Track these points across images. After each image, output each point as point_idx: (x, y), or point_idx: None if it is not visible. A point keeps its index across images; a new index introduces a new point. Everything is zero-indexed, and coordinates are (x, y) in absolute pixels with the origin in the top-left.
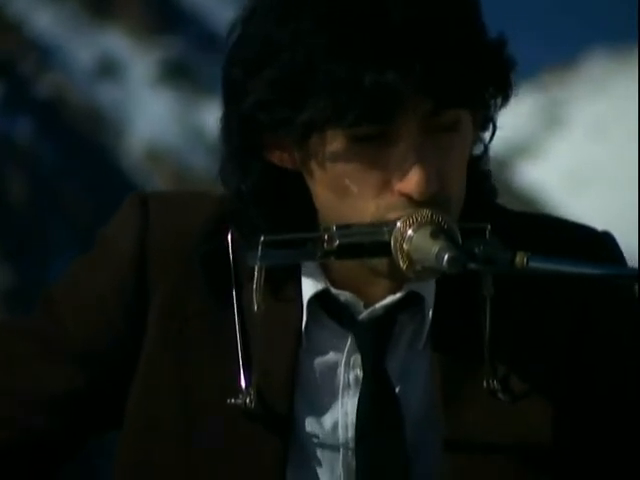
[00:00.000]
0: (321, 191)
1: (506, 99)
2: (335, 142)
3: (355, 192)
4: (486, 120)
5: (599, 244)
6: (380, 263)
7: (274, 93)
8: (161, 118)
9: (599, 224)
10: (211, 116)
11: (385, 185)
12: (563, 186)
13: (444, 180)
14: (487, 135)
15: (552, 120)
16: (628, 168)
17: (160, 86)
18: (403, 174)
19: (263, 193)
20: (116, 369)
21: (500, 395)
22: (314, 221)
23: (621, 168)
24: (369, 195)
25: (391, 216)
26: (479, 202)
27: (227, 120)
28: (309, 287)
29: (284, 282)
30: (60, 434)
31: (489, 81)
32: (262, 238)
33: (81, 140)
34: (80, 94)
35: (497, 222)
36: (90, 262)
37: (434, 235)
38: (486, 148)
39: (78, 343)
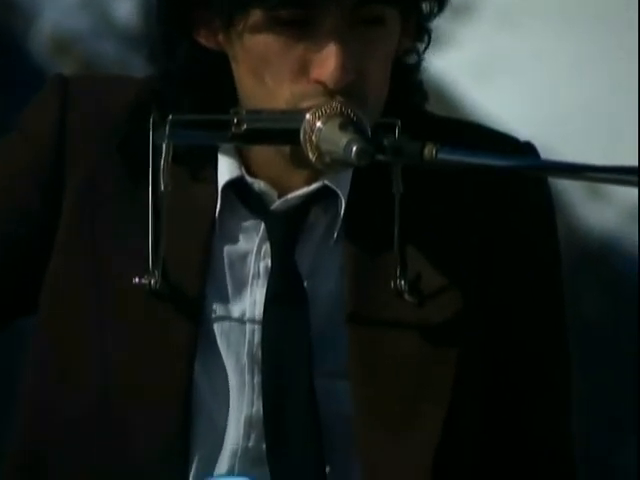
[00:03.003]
0: (242, 74)
1: (441, 7)
2: (258, 24)
3: (272, 76)
4: (421, 29)
5: (522, 151)
6: (290, 151)
7: None
8: (70, 5)
9: (505, 115)
10: (121, 4)
11: (302, 71)
12: (470, 76)
13: (363, 73)
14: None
15: (459, 8)
16: (538, 59)
17: None
18: (320, 61)
19: (189, 73)
20: (33, 253)
21: (407, 296)
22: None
23: (530, 59)
24: (285, 80)
25: (305, 104)
26: (404, 105)
27: None
28: (224, 173)
29: (200, 167)
30: None
31: None
32: (170, 117)
33: None
34: None
35: (420, 125)
36: (7, 145)
37: (343, 127)
38: (420, 59)
39: None
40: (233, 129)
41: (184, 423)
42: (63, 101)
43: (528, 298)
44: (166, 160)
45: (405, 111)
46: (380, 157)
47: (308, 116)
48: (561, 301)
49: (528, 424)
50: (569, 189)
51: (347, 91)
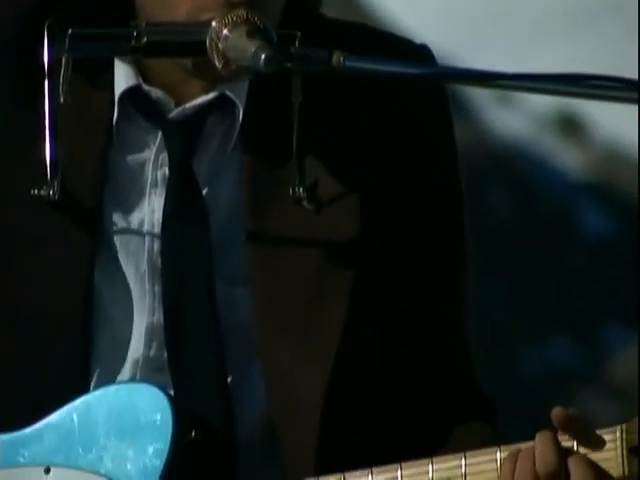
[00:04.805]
0: None
1: None
2: None
3: None
4: None
5: (418, 54)
6: (190, 62)
7: None
8: None
9: (410, 21)
10: None
11: None
12: None
13: None
14: None
15: None
16: None
17: None
18: None
19: None
20: None
21: (305, 203)
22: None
23: None
24: None
25: (204, 16)
26: (300, 10)
27: None
28: (121, 82)
29: (97, 75)
30: None
31: None
32: (70, 31)
33: None
34: None
35: (318, 30)
36: None
37: (250, 35)
38: None
39: None
40: (133, 42)
41: (85, 333)
42: None
43: (427, 201)
44: (65, 73)
45: (301, 16)
46: (288, 65)
47: (214, 24)
48: (460, 204)
49: (427, 329)
50: (478, 95)
51: (248, 3)
